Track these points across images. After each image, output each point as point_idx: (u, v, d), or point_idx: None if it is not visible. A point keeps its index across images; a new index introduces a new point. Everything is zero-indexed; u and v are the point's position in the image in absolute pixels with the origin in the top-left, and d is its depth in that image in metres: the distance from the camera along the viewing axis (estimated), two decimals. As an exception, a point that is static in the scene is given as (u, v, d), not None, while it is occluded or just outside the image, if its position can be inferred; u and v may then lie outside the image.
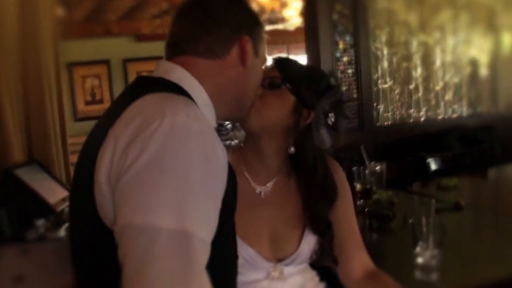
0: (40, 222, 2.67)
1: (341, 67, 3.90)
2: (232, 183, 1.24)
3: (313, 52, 3.85)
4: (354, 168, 2.66)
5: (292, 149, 1.56)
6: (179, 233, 0.94)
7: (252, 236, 1.52)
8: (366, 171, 2.70)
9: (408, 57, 4.22)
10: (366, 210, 2.51)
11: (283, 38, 8.05)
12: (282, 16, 6.55)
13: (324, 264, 1.63)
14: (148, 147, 0.99)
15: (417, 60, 4.23)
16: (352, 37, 3.91)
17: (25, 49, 4.80)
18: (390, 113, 4.19)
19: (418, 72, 4.26)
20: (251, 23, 1.36)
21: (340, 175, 1.65)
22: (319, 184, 1.56)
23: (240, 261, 1.48)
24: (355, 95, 3.93)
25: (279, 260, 1.53)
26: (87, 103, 7.89)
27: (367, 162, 2.80)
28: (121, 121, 1.08)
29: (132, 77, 7.83)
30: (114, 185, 1.01)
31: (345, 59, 3.92)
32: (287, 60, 1.61)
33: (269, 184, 1.60)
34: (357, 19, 3.90)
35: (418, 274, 1.68)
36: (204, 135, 1.05)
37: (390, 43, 4.13)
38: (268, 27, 8.30)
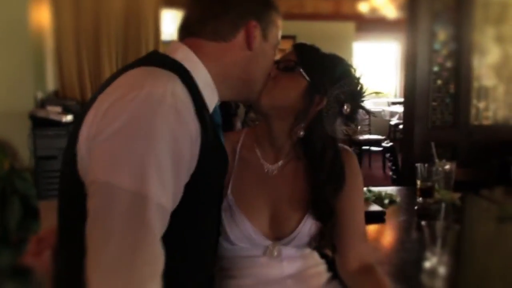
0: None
1: (439, 60, 3.72)
2: (215, 162, 1.30)
3: (410, 41, 3.71)
4: (418, 165, 2.57)
5: (302, 133, 1.56)
6: (137, 195, 1.03)
7: (253, 212, 1.55)
8: (433, 169, 2.60)
9: (517, 55, 3.90)
10: (415, 208, 2.44)
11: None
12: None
13: (322, 250, 1.63)
14: (122, 114, 1.08)
15: (527, 58, 3.90)
16: (454, 29, 3.70)
17: (128, 24, 5.13)
18: (491, 112, 3.93)
19: (527, 71, 3.93)
20: (261, 8, 1.39)
21: (352, 165, 1.62)
22: (326, 170, 1.56)
23: (239, 235, 1.53)
24: (451, 90, 3.74)
25: (278, 239, 1.56)
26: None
27: (436, 160, 2.69)
28: (109, 88, 1.18)
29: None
30: (91, 144, 1.12)
31: (444, 51, 3.73)
32: (306, 45, 1.60)
33: (278, 164, 1.62)
34: (461, 10, 3.69)
35: (424, 279, 1.63)
36: (176, 110, 1.12)
37: (498, 38, 3.85)
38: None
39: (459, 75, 3.75)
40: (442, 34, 3.73)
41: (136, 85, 1.12)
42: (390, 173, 6.56)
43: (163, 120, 1.08)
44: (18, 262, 3.69)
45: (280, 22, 1.46)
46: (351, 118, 1.59)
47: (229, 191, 1.56)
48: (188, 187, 1.17)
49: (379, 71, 11.89)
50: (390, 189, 2.89)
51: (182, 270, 1.24)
